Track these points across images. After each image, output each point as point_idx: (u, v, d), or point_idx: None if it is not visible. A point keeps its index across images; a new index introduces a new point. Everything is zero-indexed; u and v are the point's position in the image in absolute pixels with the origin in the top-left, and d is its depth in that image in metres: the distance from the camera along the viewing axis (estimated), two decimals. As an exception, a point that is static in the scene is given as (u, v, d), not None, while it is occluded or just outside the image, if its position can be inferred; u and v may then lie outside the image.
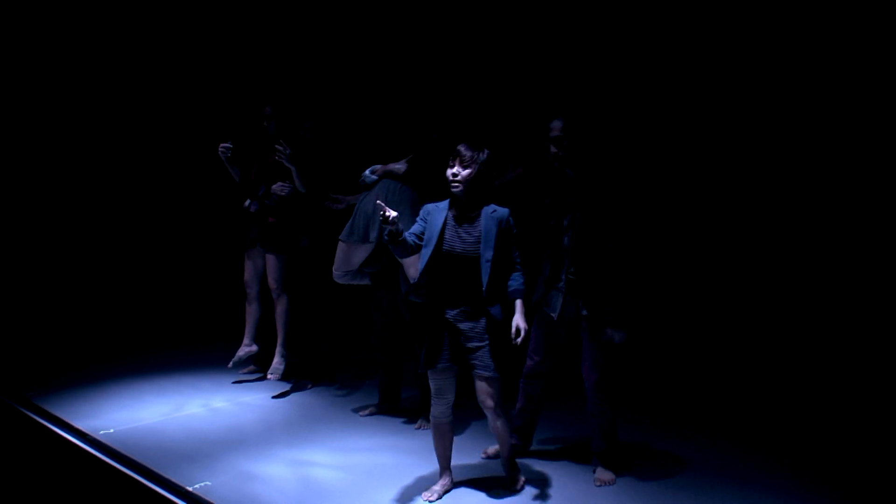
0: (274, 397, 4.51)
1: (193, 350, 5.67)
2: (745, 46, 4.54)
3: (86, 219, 6.62)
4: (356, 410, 4.29)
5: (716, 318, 4.83)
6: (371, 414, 4.24)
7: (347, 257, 3.94)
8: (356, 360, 5.38)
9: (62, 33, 6.24)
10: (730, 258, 4.79)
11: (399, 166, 3.79)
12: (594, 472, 3.40)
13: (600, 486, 3.32)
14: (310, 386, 4.73)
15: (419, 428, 3.98)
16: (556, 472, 3.44)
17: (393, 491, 3.18)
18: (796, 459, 3.64)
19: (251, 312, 4.78)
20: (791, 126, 4.50)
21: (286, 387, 4.65)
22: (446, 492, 3.19)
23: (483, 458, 3.57)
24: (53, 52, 6.22)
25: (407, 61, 5.66)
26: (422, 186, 3.78)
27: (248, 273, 4.77)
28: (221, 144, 4.56)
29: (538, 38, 5.13)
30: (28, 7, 6.05)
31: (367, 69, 5.93)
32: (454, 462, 3.29)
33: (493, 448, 3.56)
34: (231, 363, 4.70)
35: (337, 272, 4.02)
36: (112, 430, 3.82)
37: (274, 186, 4.54)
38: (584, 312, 3.29)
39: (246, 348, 4.70)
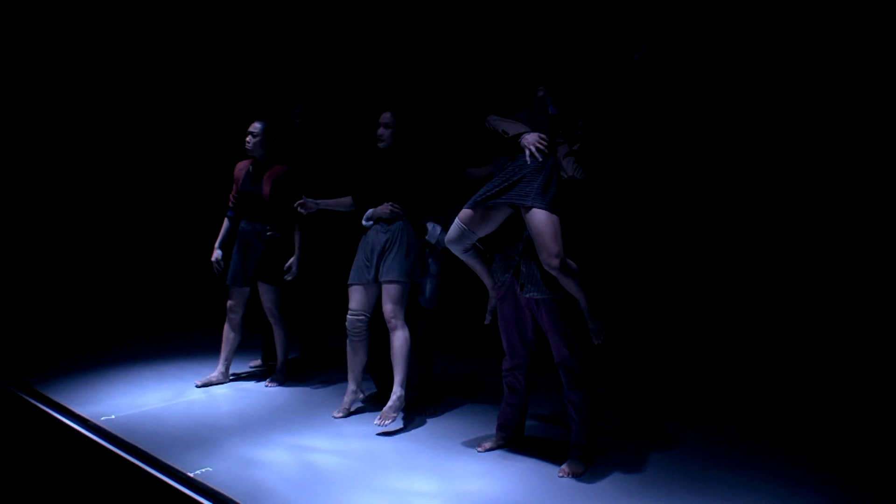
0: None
1: (195, 336, 5.68)
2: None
3: (85, 205, 6.62)
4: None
5: (712, 308, 4.82)
6: (371, 400, 4.25)
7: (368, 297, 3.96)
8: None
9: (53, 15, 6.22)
10: (725, 250, 4.79)
11: (384, 209, 3.94)
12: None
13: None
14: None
15: (421, 414, 4.00)
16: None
17: (392, 475, 3.19)
18: (787, 448, 3.64)
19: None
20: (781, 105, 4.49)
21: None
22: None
23: (480, 452, 3.47)
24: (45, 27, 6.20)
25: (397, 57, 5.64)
26: (410, 221, 3.97)
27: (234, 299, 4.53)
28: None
29: (534, 36, 5.09)
30: (28, 6, 6.02)
31: (359, 60, 5.91)
32: (449, 459, 3.32)
33: (488, 442, 3.53)
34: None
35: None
36: (113, 416, 3.83)
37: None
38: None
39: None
